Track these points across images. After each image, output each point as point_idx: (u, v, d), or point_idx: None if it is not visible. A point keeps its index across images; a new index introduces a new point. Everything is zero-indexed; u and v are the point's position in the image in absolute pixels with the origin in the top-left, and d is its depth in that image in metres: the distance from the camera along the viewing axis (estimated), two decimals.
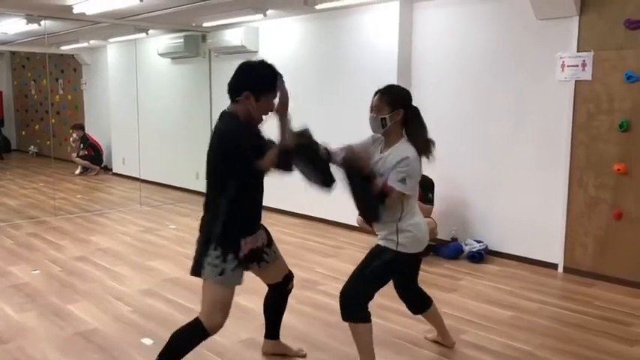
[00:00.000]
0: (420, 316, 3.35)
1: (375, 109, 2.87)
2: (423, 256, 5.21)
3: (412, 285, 3.25)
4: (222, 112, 2.69)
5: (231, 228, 2.64)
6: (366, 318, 2.85)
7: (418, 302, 3.28)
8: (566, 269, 4.83)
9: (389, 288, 4.41)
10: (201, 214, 2.72)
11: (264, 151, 2.54)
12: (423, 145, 2.84)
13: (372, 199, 2.75)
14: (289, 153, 2.58)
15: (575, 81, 4.65)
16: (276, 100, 2.61)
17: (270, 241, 2.94)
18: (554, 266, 4.90)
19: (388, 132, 2.87)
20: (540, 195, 4.97)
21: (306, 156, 2.70)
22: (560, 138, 4.79)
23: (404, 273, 3.15)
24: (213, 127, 2.67)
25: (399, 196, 2.76)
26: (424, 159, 2.86)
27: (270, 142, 2.65)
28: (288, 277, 3.06)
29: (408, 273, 3.18)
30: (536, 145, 4.95)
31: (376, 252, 2.94)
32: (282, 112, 2.59)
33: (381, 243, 2.92)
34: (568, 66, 4.67)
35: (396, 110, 2.83)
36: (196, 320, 2.68)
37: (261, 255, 2.87)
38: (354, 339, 2.90)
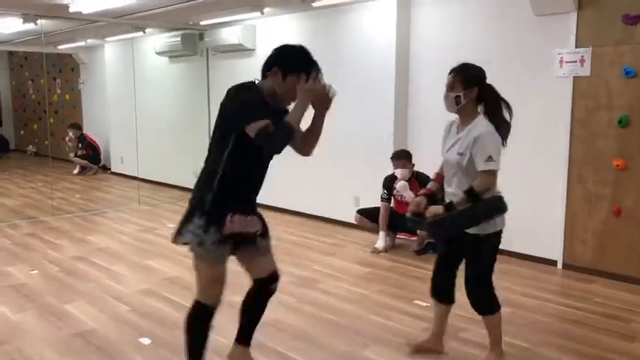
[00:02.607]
0: (419, 314, 3.34)
1: (448, 87, 2.90)
2: (421, 254, 5.23)
3: (455, 269, 3.15)
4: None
5: (221, 199, 2.54)
6: (499, 306, 2.99)
7: (450, 290, 3.16)
8: (565, 265, 4.82)
9: (388, 286, 4.42)
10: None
11: (259, 117, 2.41)
12: (499, 124, 2.85)
13: (456, 217, 2.81)
14: (291, 132, 2.48)
15: (574, 77, 4.64)
16: (309, 85, 2.56)
17: (265, 233, 2.80)
18: (554, 263, 4.89)
19: (462, 110, 2.89)
20: (539, 191, 4.96)
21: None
22: (558, 134, 4.77)
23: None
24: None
25: (494, 174, 2.80)
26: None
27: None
28: (274, 276, 2.85)
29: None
30: (534, 141, 4.93)
31: (480, 241, 2.89)
32: (321, 108, 2.64)
33: (480, 232, 2.86)
34: (566, 62, 4.66)
35: (470, 88, 2.86)
36: (194, 302, 2.65)
37: (253, 239, 2.71)
38: (488, 330, 3.03)
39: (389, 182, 5.37)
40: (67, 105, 12.09)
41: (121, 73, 9.81)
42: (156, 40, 8.57)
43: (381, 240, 5.39)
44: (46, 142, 12.17)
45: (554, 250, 4.88)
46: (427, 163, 4.80)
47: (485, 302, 3.00)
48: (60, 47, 10.32)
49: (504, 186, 5.15)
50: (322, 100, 2.62)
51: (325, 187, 6.53)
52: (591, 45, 4.52)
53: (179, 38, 8.07)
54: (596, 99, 4.55)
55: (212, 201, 2.54)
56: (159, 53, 8.63)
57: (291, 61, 2.57)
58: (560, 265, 4.85)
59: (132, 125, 8.89)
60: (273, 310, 3.89)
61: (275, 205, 7.04)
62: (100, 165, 10.79)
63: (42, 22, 7.18)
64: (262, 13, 6.48)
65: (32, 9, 6.57)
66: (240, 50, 7.26)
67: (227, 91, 2.57)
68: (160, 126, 9.11)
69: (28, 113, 13.63)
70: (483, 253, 2.95)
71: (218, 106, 2.59)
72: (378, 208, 5.39)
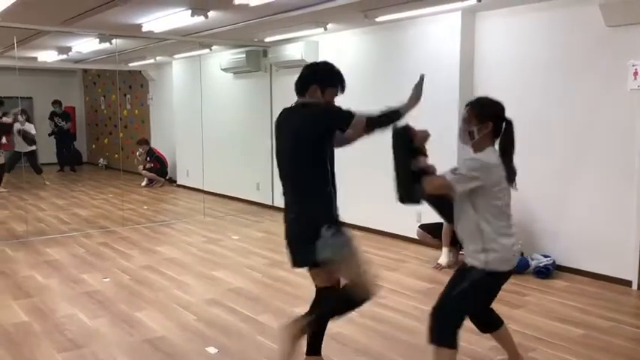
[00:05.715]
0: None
1: (464, 121, 2.86)
2: None
3: (488, 305, 3.05)
4: (295, 104, 2.99)
5: (332, 206, 2.84)
6: (452, 343, 2.69)
7: (489, 322, 3.09)
8: None
9: None
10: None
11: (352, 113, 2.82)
12: (507, 165, 2.72)
13: (409, 173, 2.77)
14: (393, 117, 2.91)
15: None
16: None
17: None
18: (628, 283, 4.67)
19: (477, 145, 2.80)
20: (612, 208, 4.76)
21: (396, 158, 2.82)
22: (632, 149, 4.58)
23: (492, 294, 2.92)
24: (282, 119, 3.00)
25: (441, 183, 2.70)
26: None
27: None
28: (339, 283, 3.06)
29: (494, 294, 2.93)
30: (606, 156, 4.76)
31: (463, 271, 2.80)
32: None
33: (468, 261, 2.78)
34: None
35: (485, 123, 2.77)
36: (347, 290, 2.87)
37: None
38: None
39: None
40: (136, 120, 12.61)
41: (188, 89, 10.16)
42: (221, 57, 8.82)
43: (444, 256, 5.31)
44: (117, 155, 12.73)
45: (629, 270, 4.66)
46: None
47: (435, 330, 2.73)
48: (131, 65, 10.81)
49: (574, 202, 5.01)
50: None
51: (387, 201, 6.49)
52: None
53: (244, 55, 8.28)
54: None
55: (328, 210, 2.84)
56: (224, 69, 8.87)
57: (326, 78, 3.01)
58: (635, 286, 4.63)
59: (197, 139, 9.17)
60: (334, 324, 3.91)
61: None
62: (167, 178, 11.16)
63: (116, 42, 7.55)
64: (326, 29, 6.56)
65: (108, 29, 6.93)
66: (302, 66, 7.35)
67: (301, 114, 2.91)
68: (224, 140, 9.35)
69: (99, 128, 14.30)
70: (460, 285, 2.75)
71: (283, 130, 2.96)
72: (441, 224, 5.31)
